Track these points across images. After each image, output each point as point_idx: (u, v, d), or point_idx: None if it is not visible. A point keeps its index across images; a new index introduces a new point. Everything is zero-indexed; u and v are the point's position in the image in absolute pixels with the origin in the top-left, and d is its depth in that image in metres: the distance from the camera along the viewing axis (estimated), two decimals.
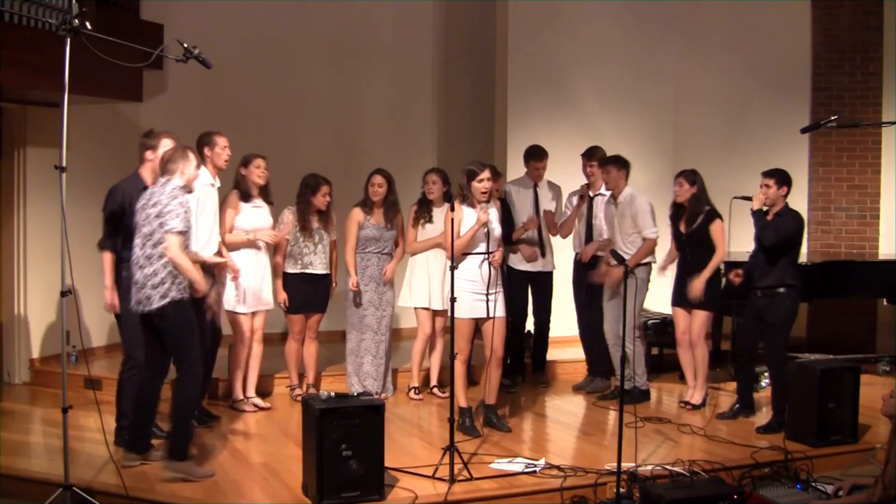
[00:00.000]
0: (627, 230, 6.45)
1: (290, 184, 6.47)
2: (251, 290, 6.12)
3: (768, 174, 5.90)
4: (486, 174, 5.54)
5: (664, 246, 6.60)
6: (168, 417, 4.86)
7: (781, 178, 5.86)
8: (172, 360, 4.78)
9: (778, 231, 5.78)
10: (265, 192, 6.21)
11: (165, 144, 5.14)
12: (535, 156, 6.96)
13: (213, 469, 4.85)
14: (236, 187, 6.13)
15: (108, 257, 5.13)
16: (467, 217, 5.55)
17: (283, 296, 6.35)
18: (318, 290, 6.45)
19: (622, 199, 6.49)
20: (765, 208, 5.88)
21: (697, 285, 6.09)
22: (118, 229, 5.09)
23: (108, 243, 5.14)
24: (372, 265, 6.47)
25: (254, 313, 6.19)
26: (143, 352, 5.18)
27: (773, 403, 5.91)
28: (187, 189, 4.78)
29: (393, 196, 6.49)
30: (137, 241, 4.65)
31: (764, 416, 6.04)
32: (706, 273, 6.11)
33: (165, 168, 4.72)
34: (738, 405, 6.13)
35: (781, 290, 5.84)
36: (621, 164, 6.49)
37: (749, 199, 5.93)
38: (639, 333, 6.62)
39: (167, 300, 4.57)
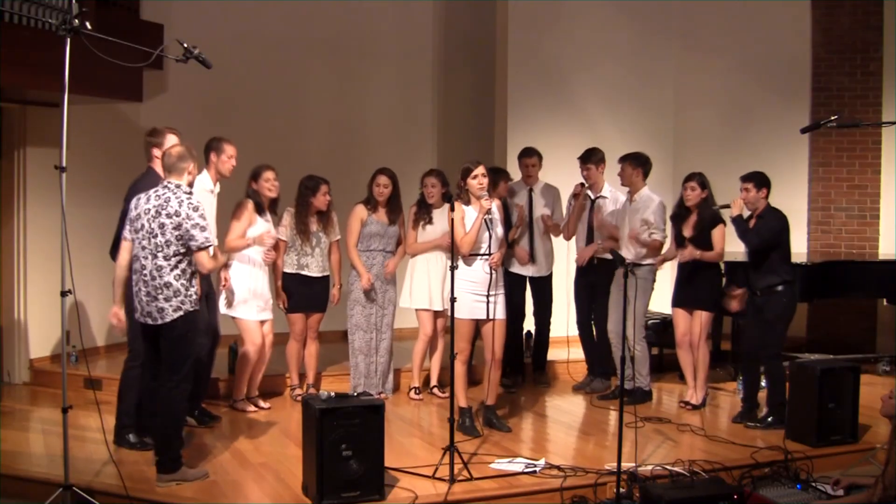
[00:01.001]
0: (637, 228, 6.45)
1: (289, 184, 6.46)
2: (260, 297, 6.11)
3: (746, 178, 5.91)
4: (479, 170, 5.55)
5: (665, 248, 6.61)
6: (156, 429, 4.69)
7: (760, 181, 5.88)
8: (166, 368, 4.58)
9: (760, 233, 5.80)
10: (273, 205, 6.19)
11: (171, 140, 5.18)
12: (526, 153, 7.00)
13: (213, 469, 4.84)
14: (251, 198, 6.07)
15: None
16: (468, 215, 5.56)
17: (282, 296, 6.35)
18: (315, 291, 6.43)
19: (639, 198, 6.48)
20: (746, 213, 5.89)
21: (691, 251, 6.09)
22: None
23: None
24: (377, 263, 6.47)
25: (262, 322, 6.18)
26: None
27: (768, 399, 5.93)
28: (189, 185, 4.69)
29: (397, 196, 6.49)
30: (147, 249, 4.48)
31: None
32: (701, 255, 6.10)
33: (175, 166, 4.55)
34: (745, 408, 6.11)
35: (780, 287, 5.86)
36: (637, 162, 6.49)
37: (727, 206, 5.95)
38: (643, 334, 6.62)
39: (180, 313, 4.47)
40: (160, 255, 4.45)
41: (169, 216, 4.44)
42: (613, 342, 6.63)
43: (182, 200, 4.47)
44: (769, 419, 5.82)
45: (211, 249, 4.57)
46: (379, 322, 6.49)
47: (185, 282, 4.48)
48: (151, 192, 4.58)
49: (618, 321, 6.52)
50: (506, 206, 6.67)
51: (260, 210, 6.06)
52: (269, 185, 6.07)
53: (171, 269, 4.45)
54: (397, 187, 6.48)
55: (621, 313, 6.39)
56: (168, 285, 4.45)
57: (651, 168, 6.57)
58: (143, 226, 4.50)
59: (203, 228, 4.45)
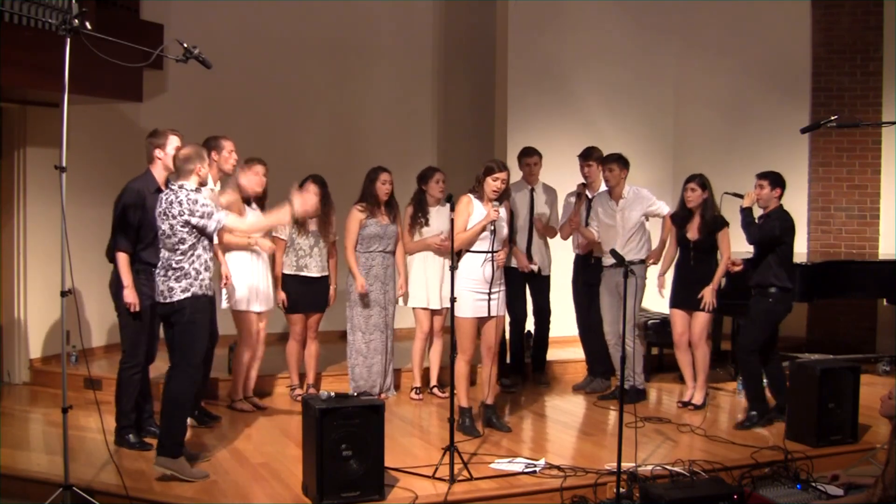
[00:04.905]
0: (633, 224, 6.44)
1: (289, 184, 6.45)
2: (262, 291, 6.12)
3: (763, 176, 5.93)
4: (503, 175, 5.52)
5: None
6: (160, 413, 4.79)
7: (775, 180, 5.88)
8: (175, 353, 4.74)
9: (762, 230, 5.81)
10: (261, 199, 6.18)
11: (173, 142, 5.19)
12: (526, 153, 7.00)
13: (213, 469, 4.84)
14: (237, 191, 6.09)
15: (123, 258, 5.09)
16: (478, 211, 5.55)
17: (281, 296, 6.35)
18: (315, 291, 6.43)
19: (626, 196, 6.49)
20: (758, 211, 5.90)
21: (709, 295, 6.15)
22: (131, 228, 5.07)
23: (123, 243, 5.09)
24: (377, 264, 6.45)
25: (259, 314, 6.18)
26: (145, 352, 5.17)
27: (746, 394, 5.96)
28: (201, 185, 4.80)
29: (392, 192, 6.49)
30: (165, 246, 4.66)
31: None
32: (715, 282, 6.16)
33: (181, 168, 4.72)
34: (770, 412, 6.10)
35: (773, 289, 5.86)
36: (624, 163, 6.51)
37: (740, 196, 5.96)
38: (638, 333, 6.62)
39: (188, 294, 4.63)
40: (177, 250, 4.65)
41: (174, 217, 4.61)
42: (611, 342, 6.62)
43: (181, 200, 4.61)
44: (752, 413, 5.85)
45: (228, 221, 4.74)
46: (380, 322, 6.47)
47: (197, 266, 4.67)
48: (162, 195, 4.77)
49: (613, 321, 6.52)
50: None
51: (247, 202, 6.06)
52: (258, 178, 6.06)
53: (187, 258, 4.65)
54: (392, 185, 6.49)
55: (616, 313, 6.41)
56: (181, 268, 4.64)
57: (629, 170, 6.59)
58: (159, 227, 4.71)
59: (210, 215, 4.62)
